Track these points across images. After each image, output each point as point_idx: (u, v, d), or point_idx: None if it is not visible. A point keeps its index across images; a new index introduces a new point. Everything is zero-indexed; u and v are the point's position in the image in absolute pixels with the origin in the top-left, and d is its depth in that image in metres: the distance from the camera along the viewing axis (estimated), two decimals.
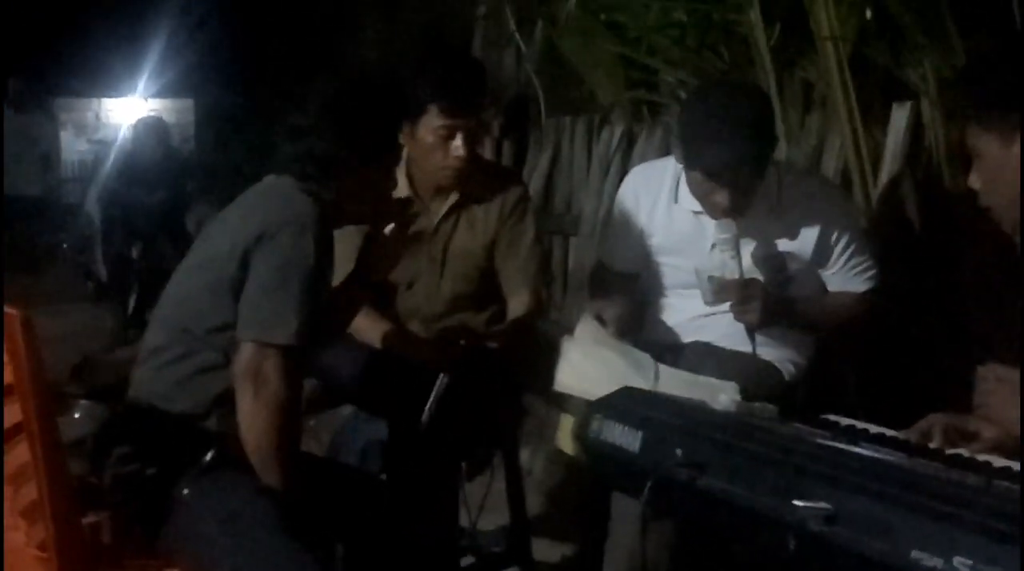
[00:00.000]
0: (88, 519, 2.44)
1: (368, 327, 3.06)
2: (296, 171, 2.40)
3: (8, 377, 2.17)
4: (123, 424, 2.49)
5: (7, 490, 2.34)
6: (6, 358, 2.13)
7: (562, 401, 2.76)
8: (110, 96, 12.65)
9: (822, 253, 2.84)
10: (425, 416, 2.82)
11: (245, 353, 2.24)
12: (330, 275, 2.45)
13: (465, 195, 3.13)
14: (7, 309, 2.10)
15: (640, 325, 2.98)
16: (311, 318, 2.25)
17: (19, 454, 2.26)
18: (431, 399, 2.83)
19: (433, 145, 2.98)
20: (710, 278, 2.73)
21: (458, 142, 2.96)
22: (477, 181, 3.13)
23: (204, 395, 2.33)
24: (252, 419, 2.22)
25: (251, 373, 2.22)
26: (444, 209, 3.13)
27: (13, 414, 2.21)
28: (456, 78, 2.98)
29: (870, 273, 2.89)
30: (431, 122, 2.95)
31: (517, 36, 5.29)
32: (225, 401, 2.29)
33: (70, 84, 12.48)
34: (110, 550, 2.46)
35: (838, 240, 2.83)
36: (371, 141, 2.43)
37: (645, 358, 2.70)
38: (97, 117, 13.15)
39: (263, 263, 2.27)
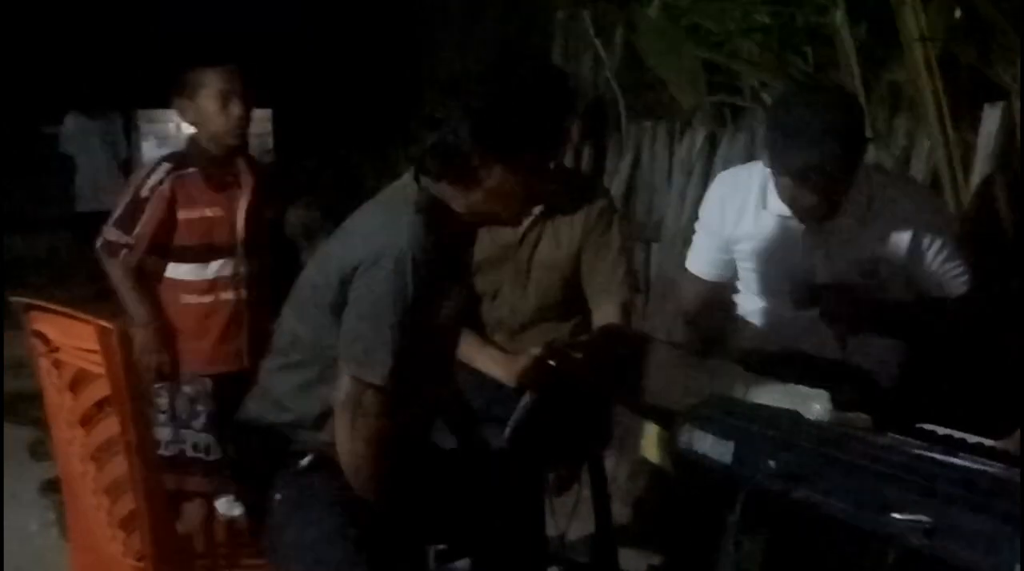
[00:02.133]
0: (181, 529, 2.48)
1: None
2: (429, 165, 2.26)
3: (106, 391, 2.21)
4: (237, 426, 2.50)
5: (104, 502, 2.38)
6: (105, 371, 2.17)
7: (649, 411, 2.74)
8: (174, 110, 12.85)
9: (914, 257, 2.78)
10: (508, 433, 2.81)
11: (344, 383, 2.23)
12: (449, 290, 2.35)
13: (549, 206, 3.12)
14: (106, 324, 2.13)
15: (729, 334, 2.94)
16: (406, 354, 2.20)
17: (116, 466, 2.30)
18: (515, 417, 2.82)
19: None
20: (798, 283, 2.69)
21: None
22: (561, 191, 3.11)
23: (310, 407, 2.34)
24: (350, 449, 2.24)
25: (350, 404, 2.22)
26: (529, 220, 3.12)
27: (111, 427, 2.25)
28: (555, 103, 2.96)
29: (963, 277, 2.83)
30: None
31: (597, 42, 5.28)
32: (328, 417, 2.30)
33: (152, 95, 12.66)
34: (204, 560, 2.49)
35: (930, 244, 2.77)
36: (508, 135, 2.22)
37: (734, 368, 2.67)
38: (178, 127, 13.33)
39: (361, 293, 2.21)
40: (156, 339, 3.58)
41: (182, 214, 3.57)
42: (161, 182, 3.56)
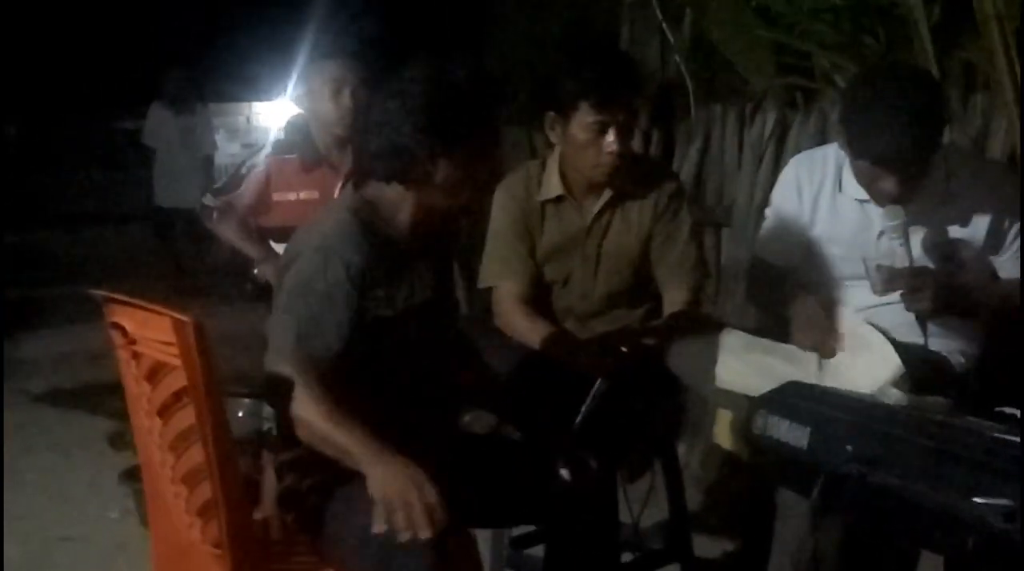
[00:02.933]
0: (260, 515, 2.50)
1: (528, 328, 3.06)
2: (379, 171, 2.37)
3: (182, 382, 2.23)
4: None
5: (183, 490, 2.41)
6: (181, 363, 2.19)
7: (719, 396, 2.72)
8: (260, 100, 12.94)
9: (994, 238, 2.74)
10: (579, 420, 2.81)
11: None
12: (387, 290, 2.39)
13: (619, 192, 3.10)
14: (181, 317, 2.16)
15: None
16: (316, 334, 2.27)
17: (193, 455, 2.32)
18: (587, 404, 2.82)
19: (586, 142, 2.96)
20: (878, 267, 2.65)
21: (611, 138, 2.93)
22: (630, 177, 3.10)
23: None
24: (299, 430, 2.29)
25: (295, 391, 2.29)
26: (598, 207, 3.11)
27: (187, 417, 2.27)
28: (606, 74, 2.95)
29: None
30: (583, 119, 2.93)
31: (664, 25, 5.23)
32: None
33: (223, 89, 12.81)
34: (279, 546, 2.52)
35: (1011, 225, 2.73)
36: (448, 129, 2.31)
37: (807, 354, 2.65)
38: (248, 120, 13.48)
39: (282, 288, 2.36)
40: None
41: (276, 196, 3.74)
42: (259, 163, 3.77)
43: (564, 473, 2.53)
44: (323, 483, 2.40)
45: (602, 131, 2.93)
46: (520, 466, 2.62)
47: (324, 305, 2.28)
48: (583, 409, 2.80)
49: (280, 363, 2.29)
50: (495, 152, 2.49)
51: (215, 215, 3.79)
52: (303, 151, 3.72)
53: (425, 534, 2.10)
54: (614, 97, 2.92)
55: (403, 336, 2.41)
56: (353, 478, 2.27)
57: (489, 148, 2.43)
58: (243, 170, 3.77)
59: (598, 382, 2.81)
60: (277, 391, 2.31)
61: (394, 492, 2.15)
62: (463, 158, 2.35)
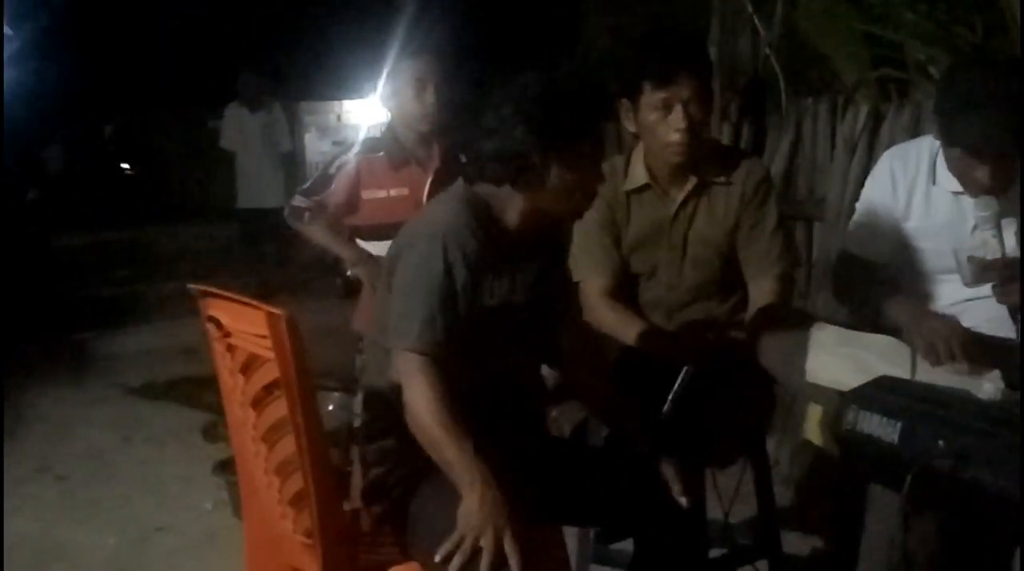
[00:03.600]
0: (350, 506, 2.54)
1: (616, 321, 3.06)
2: (489, 172, 2.39)
3: (275, 374, 2.27)
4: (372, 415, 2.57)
5: (275, 481, 2.46)
6: (274, 356, 2.23)
7: (809, 390, 2.70)
8: (350, 98, 13.02)
9: None
10: (667, 408, 2.81)
11: (395, 360, 2.33)
12: (494, 281, 2.41)
13: (704, 179, 3.09)
14: (275, 310, 2.20)
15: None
16: (439, 322, 2.28)
17: (285, 447, 2.37)
18: (674, 390, 2.82)
19: (655, 123, 2.96)
20: (970, 259, 2.61)
21: (677, 114, 2.91)
22: (715, 164, 3.09)
23: None
24: (409, 419, 2.28)
25: (400, 378, 2.30)
26: (683, 195, 3.09)
27: (280, 409, 2.32)
28: (665, 52, 2.96)
29: None
30: (648, 100, 2.94)
31: (755, 18, 5.19)
32: None
33: (314, 88, 12.92)
34: (369, 537, 2.55)
35: None
36: (560, 133, 2.35)
37: (901, 348, 2.61)
38: (339, 118, 13.57)
39: (398, 274, 2.36)
40: (375, 264, 3.66)
41: (366, 194, 3.74)
42: (348, 162, 3.76)
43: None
44: (409, 476, 2.43)
45: (668, 109, 2.93)
46: (606, 465, 2.62)
47: (444, 290, 2.29)
48: (670, 397, 2.80)
49: (403, 346, 2.30)
50: (602, 157, 2.51)
51: (306, 216, 3.80)
52: (390, 149, 3.74)
53: None
54: (673, 74, 2.92)
55: (498, 330, 2.42)
56: (440, 473, 2.29)
57: (598, 153, 2.46)
58: (331, 170, 3.77)
59: (684, 369, 2.81)
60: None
61: (471, 530, 2.15)
62: (574, 163, 2.37)
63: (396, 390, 2.35)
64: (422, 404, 2.25)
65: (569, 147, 2.36)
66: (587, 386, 2.75)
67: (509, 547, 2.12)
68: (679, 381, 2.82)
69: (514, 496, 2.21)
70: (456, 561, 2.11)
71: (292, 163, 9.49)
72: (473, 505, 2.17)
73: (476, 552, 2.12)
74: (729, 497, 3.14)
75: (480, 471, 2.20)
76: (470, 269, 2.32)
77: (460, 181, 2.48)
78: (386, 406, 2.42)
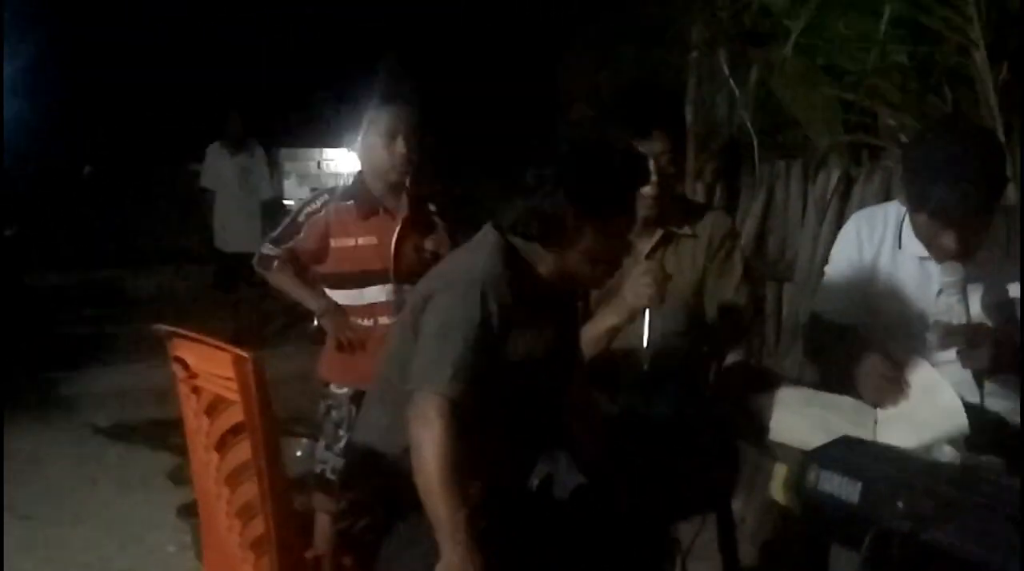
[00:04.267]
0: (312, 553, 2.53)
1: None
2: (520, 227, 2.41)
3: (239, 417, 2.27)
4: (350, 464, 2.57)
5: (236, 524, 2.45)
6: (239, 398, 2.24)
7: (775, 449, 2.71)
8: (331, 146, 13.05)
9: None
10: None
11: (413, 401, 2.30)
12: (522, 334, 2.42)
13: (670, 230, 3.13)
14: (241, 353, 2.20)
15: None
16: (471, 369, 2.27)
17: (247, 490, 2.36)
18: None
19: None
20: (936, 324, 2.64)
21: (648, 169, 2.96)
22: (681, 217, 3.14)
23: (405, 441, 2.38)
24: (416, 460, 2.25)
25: (415, 419, 2.27)
26: (649, 246, 3.13)
27: (243, 452, 2.31)
28: (637, 104, 3.01)
29: None
30: None
31: (731, 81, 5.26)
32: None
33: (295, 134, 12.96)
34: None
35: None
36: (600, 203, 2.39)
37: (865, 409, 2.63)
38: (319, 166, 13.59)
39: (431, 314, 2.35)
40: (340, 315, 3.73)
41: (335, 242, 3.73)
42: (318, 210, 3.75)
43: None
44: (381, 525, 2.43)
45: None
46: (572, 519, 2.63)
47: (479, 338, 2.29)
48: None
49: (430, 389, 2.27)
50: (634, 224, 2.56)
51: (275, 264, 3.80)
52: (359, 198, 3.74)
53: None
54: (647, 128, 2.98)
55: (515, 385, 2.43)
56: (412, 523, 2.29)
57: (631, 225, 2.51)
58: (300, 217, 3.76)
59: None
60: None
61: None
62: (607, 232, 2.42)
63: (386, 443, 2.37)
64: (432, 451, 2.22)
65: (607, 217, 2.40)
66: (580, 439, 2.77)
67: None
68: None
69: (488, 551, 2.21)
70: None
71: (271, 208, 9.37)
72: (456, 560, 2.17)
73: None
74: (688, 552, 3.13)
75: (466, 534, 2.19)
76: (504, 321, 2.33)
77: (490, 229, 2.48)
78: (371, 458, 2.43)
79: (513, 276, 2.38)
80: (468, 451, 2.25)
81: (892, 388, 2.63)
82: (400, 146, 3.66)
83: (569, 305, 2.68)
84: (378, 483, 2.50)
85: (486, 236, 2.48)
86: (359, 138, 3.74)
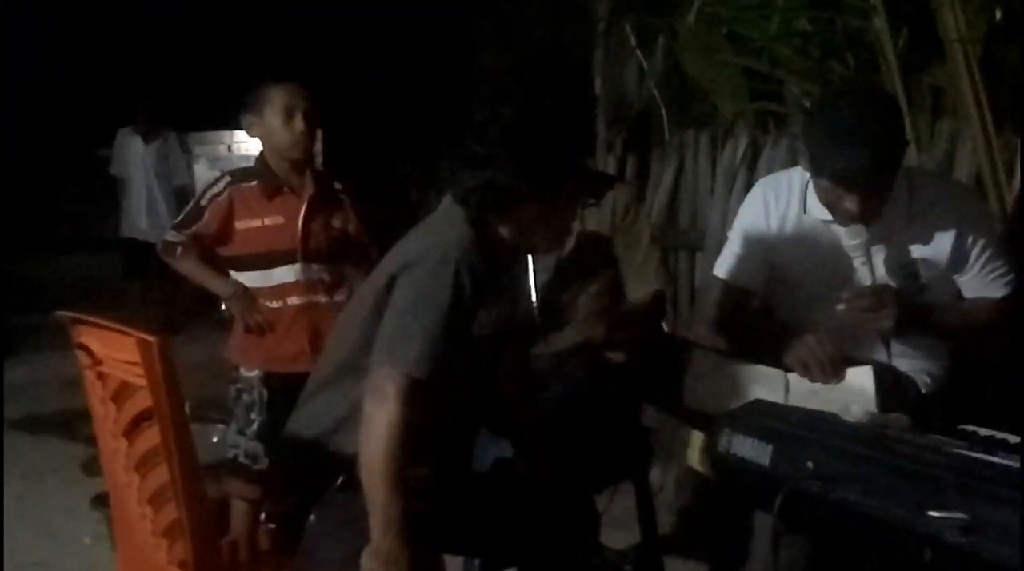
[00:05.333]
0: (228, 538, 2.51)
1: None
2: (472, 201, 2.37)
3: (147, 402, 2.24)
4: (283, 440, 2.55)
5: (148, 511, 2.42)
6: (146, 383, 2.20)
7: (691, 417, 2.74)
8: (241, 128, 12.90)
9: (957, 258, 2.76)
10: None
11: (371, 375, 2.25)
12: (487, 308, 2.39)
13: None
14: (146, 337, 2.17)
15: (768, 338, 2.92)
16: (440, 350, 2.22)
17: (158, 476, 2.33)
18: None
19: None
20: (840, 285, 2.67)
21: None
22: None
23: (343, 414, 2.36)
24: (364, 436, 2.21)
25: (371, 393, 2.22)
26: None
27: (152, 438, 2.28)
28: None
29: (1007, 278, 2.80)
30: None
31: (638, 52, 5.27)
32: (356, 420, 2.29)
33: (203, 117, 12.76)
34: (247, 568, 2.52)
35: (973, 244, 2.75)
36: (552, 172, 2.36)
37: (775, 372, 2.66)
38: (229, 149, 13.40)
39: (401, 290, 2.29)
40: (248, 298, 3.69)
41: (240, 224, 3.68)
42: (220, 193, 3.68)
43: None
44: (302, 509, 2.41)
45: None
46: (490, 491, 2.63)
47: (449, 316, 2.23)
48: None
49: (395, 367, 2.21)
50: (582, 197, 2.53)
51: (178, 250, 3.74)
52: (262, 178, 3.69)
53: None
54: None
55: (474, 360, 2.42)
56: (336, 507, 2.30)
57: (580, 193, 2.48)
58: (203, 201, 3.69)
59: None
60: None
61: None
62: (558, 201, 2.41)
63: (314, 427, 2.38)
64: (383, 430, 2.17)
65: (558, 187, 2.38)
66: (512, 405, 2.77)
67: None
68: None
69: (419, 538, 2.20)
70: None
71: (184, 195, 9.17)
72: (384, 548, 2.16)
73: None
74: (611, 525, 3.15)
75: (401, 521, 2.17)
76: (475, 299, 2.29)
77: (453, 203, 2.42)
78: (295, 442, 2.41)
79: (483, 250, 2.33)
80: (417, 431, 2.22)
81: (822, 370, 2.65)
82: (299, 123, 3.61)
83: (521, 273, 2.66)
84: (301, 467, 2.48)
85: (451, 210, 2.42)
86: (253, 116, 3.67)
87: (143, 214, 8.86)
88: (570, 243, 3.09)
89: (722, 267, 3.03)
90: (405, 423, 2.18)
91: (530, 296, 2.97)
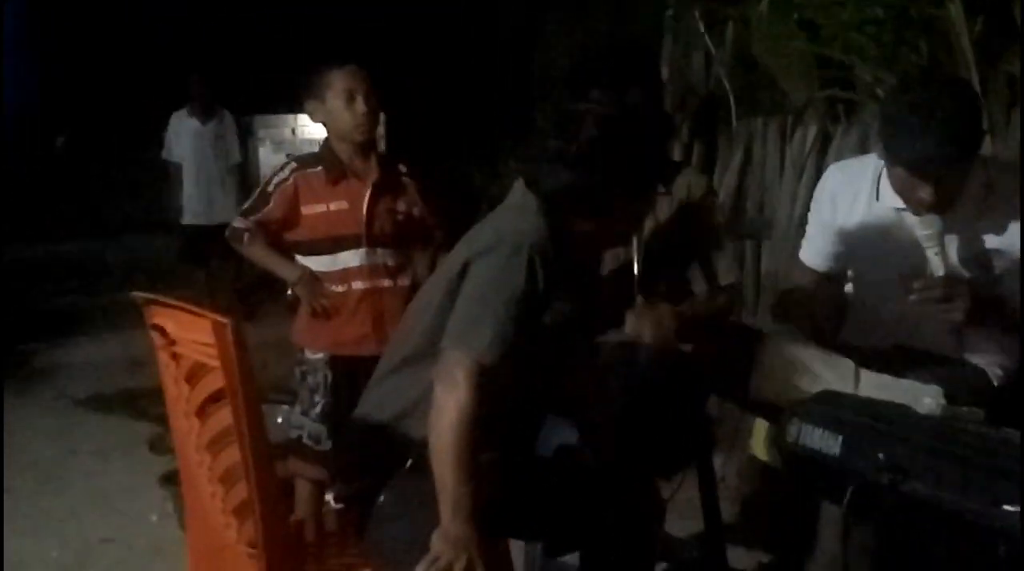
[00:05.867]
0: (294, 518, 2.53)
1: None
2: (551, 196, 2.37)
3: (220, 383, 2.27)
4: (351, 423, 2.57)
5: (219, 490, 2.44)
6: (219, 364, 2.23)
7: (756, 407, 2.72)
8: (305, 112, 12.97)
9: None
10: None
11: (442, 360, 2.25)
12: (560, 298, 2.38)
13: None
14: (221, 318, 2.19)
15: (840, 328, 2.90)
16: (510, 337, 2.22)
17: (229, 456, 2.35)
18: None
19: None
20: (914, 277, 2.64)
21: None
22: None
23: (414, 398, 2.37)
24: (434, 420, 2.22)
25: (441, 377, 2.23)
26: None
27: (224, 418, 2.31)
28: (613, 61, 2.99)
29: None
30: None
31: (707, 38, 5.24)
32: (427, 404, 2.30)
33: (269, 101, 12.84)
34: (313, 548, 2.54)
35: None
36: (637, 178, 2.38)
37: (845, 363, 2.64)
38: (293, 132, 13.47)
39: (474, 277, 2.30)
40: (315, 282, 3.72)
41: (305, 209, 3.71)
42: (286, 179, 3.71)
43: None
44: (371, 490, 2.42)
45: None
46: (554, 477, 2.63)
47: (521, 303, 2.24)
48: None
49: (467, 352, 2.22)
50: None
51: (246, 237, 3.77)
52: (327, 163, 3.72)
53: None
54: (624, 86, 2.95)
55: (546, 349, 2.41)
56: (405, 489, 2.32)
57: (655, 198, 2.56)
58: (269, 188, 3.73)
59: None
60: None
61: (446, 554, 2.15)
62: (637, 206, 2.45)
63: (383, 410, 2.40)
64: (453, 415, 2.18)
65: (640, 194, 2.42)
66: (581, 397, 2.78)
67: None
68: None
69: (487, 524, 2.21)
70: None
71: (243, 175, 9.12)
72: (453, 531, 2.16)
73: None
74: (676, 513, 3.15)
75: (470, 506, 2.18)
76: (548, 286, 2.29)
77: (527, 191, 2.43)
78: (363, 425, 2.43)
79: (556, 241, 2.33)
80: (485, 416, 2.22)
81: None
82: (360, 106, 3.62)
83: (594, 268, 2.67)
84: (370, 449, 2.49)
85: (526, 199, 2.42)
86: (315, 101, 3.70)
87: (200, 198, 8.76)
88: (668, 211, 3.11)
89: (804, 251, 3.04)
90: (474, 408, 2.19)
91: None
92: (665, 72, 5.35)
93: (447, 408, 2.19)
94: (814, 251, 3.01)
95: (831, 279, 2.97)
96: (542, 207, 2.37)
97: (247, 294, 8.61)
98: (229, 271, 8.73)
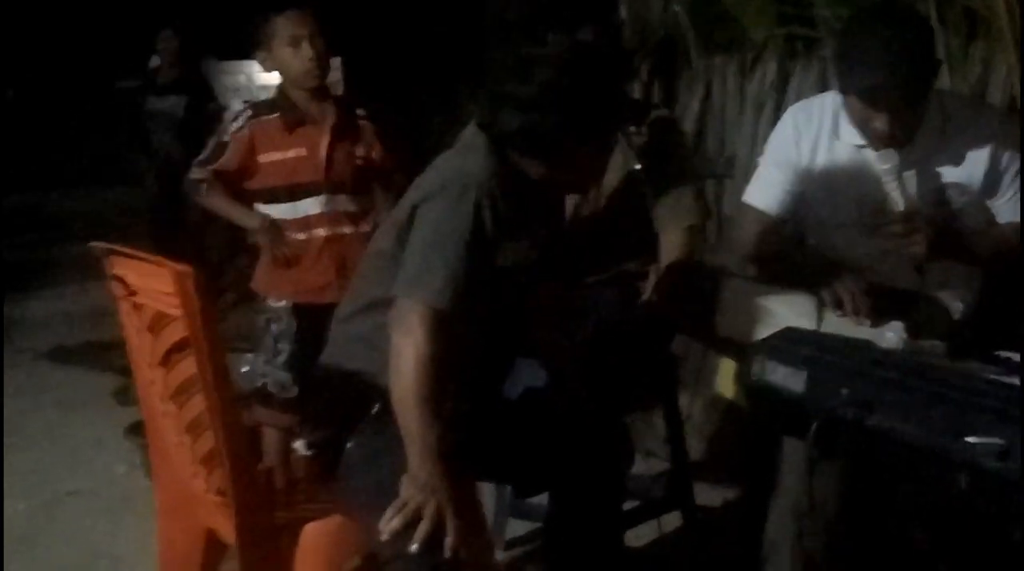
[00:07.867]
0: (262, 466, 2.53)
1: None
2: (504, 139, 2.35)
3: (183, 332, 2.25)
4: (316, 371, 2.56)
5: (186, 440, 2.44)
6: (182, 313, 2.22)
7: (721, 345, 2.74)
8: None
9: (991, 182, 2.73)
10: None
11: (396, 307, 2.25)
12: (513, 239, 2.35)
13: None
14: (182, 267, 2.17)
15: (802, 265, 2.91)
16: (461, 280, 2.21)
17: (195, 405, 2.35)
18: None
19: None
20: (873, 211, 2.66)
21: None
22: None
23: (380, 354, 2.36)
24: (393, 368, 2.21)
25: (397, 325, 2.22)
26: None
27: (189, 367, 2.30)
28: (566, 5, 2.98)
29: None
30: None
31: None
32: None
33: (223, 46, 12.68)
34: (282, 496, 2.55)
35: (1007, 168, 2.72)
36: (593, 121, 2.34)
37: (806, 300, 2.66)
38: (248, 78, 13.29)
39: (422, 222, 2.28)
40: (276, 230, 3.68)
41: (263, 158, 3.66)
42: (242, 127, 3.66)
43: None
44: (344, 431, 2.43)
45: None
46: (522, 419, 2.64)
47: (471, 246, 2.22)
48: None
49: (419, 299, 2.21)
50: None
51: (203, 188, 3.72)
52: (283, 110, 3.67)
53: (412, 547, 2.08)
54: (577, 28, 2.94)
55: (502, 292, 2.40)
56: (373, 435, 2.31)
57: (616, 139, 2.52)
58: (225, 137, 3.67)
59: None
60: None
61: (414, 499, 2.13)
62: (597, 149, 2.42)
63: (346, 358, 2.38)
64: (412, 362, 2.17)
65: (599, 136, 2.39)
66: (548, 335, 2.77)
67: (449, 523, 2.11)
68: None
69: (456, 467, 2.19)
70: (395, 523, 2.09)
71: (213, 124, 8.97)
72: (422, 476, 2.14)
73: (416, 519, 2.10)
74: (641, 451, 3.17)
75: (437, 450, 2.16)
76: (497, 228, 2.27)
77: (478, 131, 2.40)
78: (328, 372, 2.44)
79: (505, 181, 2.31)
80: (447, 362, 2.21)
81: (856, 310, 2.65)
82: (307, 50, 3.57)
83: (555, 207, 2.64)
84: (336, 396, 2.49)
85: (475, 139, 2.40)
86: (263, 49, 3.65)
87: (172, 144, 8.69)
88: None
89: (753, 194, 3.00)
90: (432, 353, 2.18)
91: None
92: (623, 12, 5.31)
93: (405, 355, 2.19)
94: (769, 194, 2.96)
95: (781, 220, 2.96)
96: (491, 147, 2.35)
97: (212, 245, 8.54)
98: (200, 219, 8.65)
